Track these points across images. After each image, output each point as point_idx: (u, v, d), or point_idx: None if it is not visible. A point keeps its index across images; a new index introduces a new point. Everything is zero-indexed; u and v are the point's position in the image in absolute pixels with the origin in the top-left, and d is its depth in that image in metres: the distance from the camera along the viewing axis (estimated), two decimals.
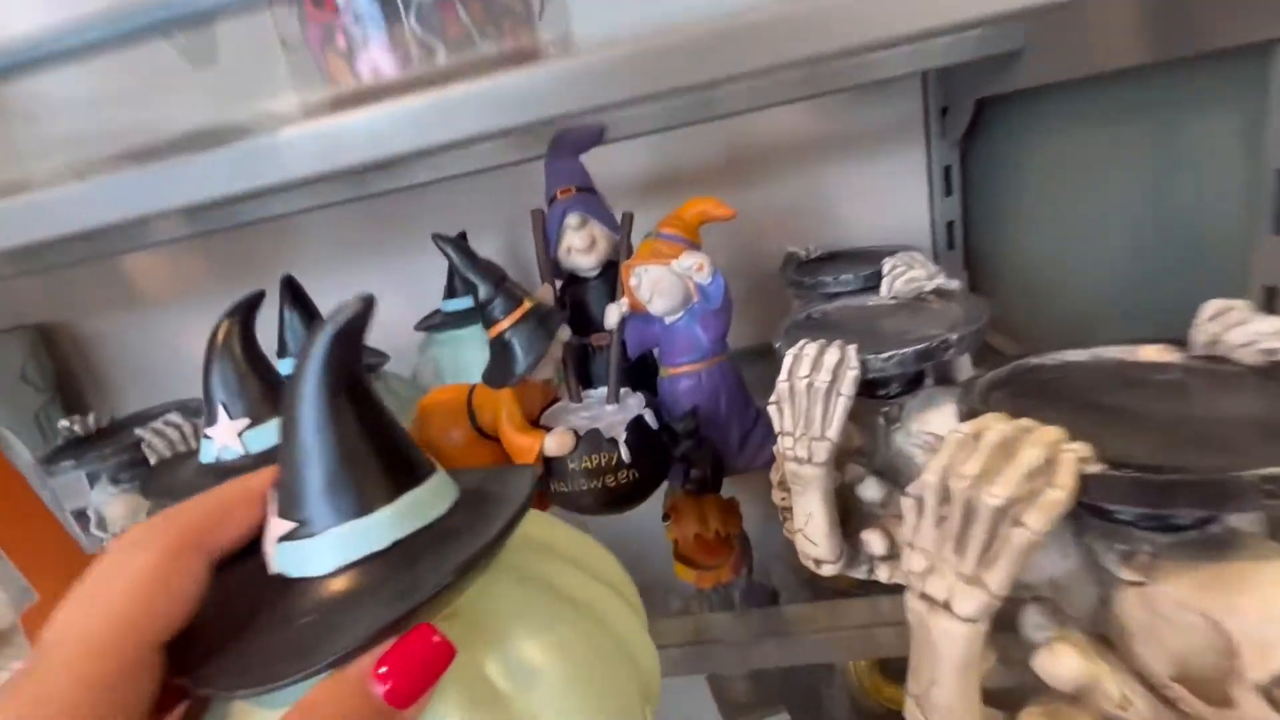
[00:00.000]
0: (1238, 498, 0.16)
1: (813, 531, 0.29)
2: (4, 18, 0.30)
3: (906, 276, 0.36)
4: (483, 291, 0.40)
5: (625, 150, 0.55)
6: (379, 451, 0.17)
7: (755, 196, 0.63)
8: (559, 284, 0.48)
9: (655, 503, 0.44)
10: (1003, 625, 0.23)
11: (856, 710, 0.51)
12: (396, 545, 0.16)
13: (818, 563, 0.29)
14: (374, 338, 0.55)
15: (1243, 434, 0.18)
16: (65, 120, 0.31)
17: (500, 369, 0.41)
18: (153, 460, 0.42)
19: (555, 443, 0.39)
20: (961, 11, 0.21)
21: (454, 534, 0.17)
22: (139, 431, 0.42)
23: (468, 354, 0.55)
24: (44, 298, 0.75)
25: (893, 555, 0.31)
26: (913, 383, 0.33)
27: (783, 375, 0.29)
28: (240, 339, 0.31)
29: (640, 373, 0.48)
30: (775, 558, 0.45)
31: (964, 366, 0.38)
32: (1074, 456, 0.17)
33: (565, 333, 0.42)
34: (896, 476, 0.32)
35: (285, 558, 0.17)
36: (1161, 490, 0.16)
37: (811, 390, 0.28)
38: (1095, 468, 0.17)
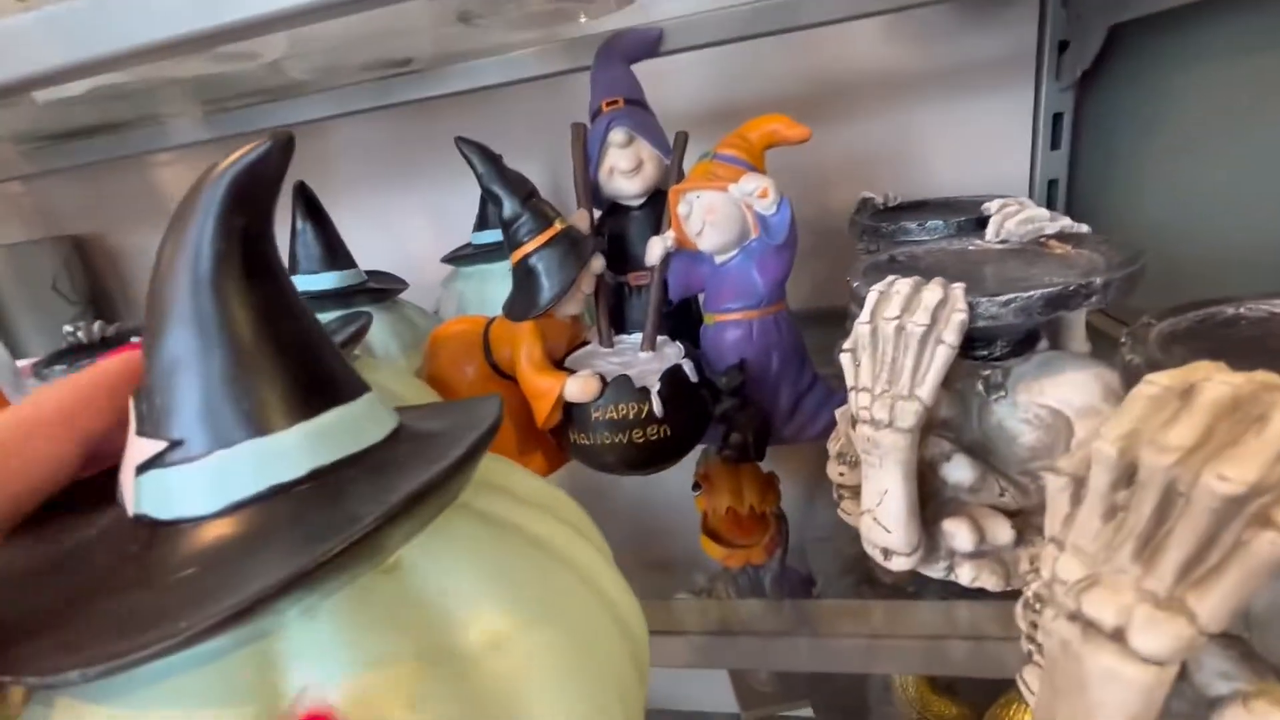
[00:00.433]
0: None
1: (887, 514, 0.23)
2: None
3: (1022, 216, 0.29)
4: (508, 208, 0.35)
5: (679, 68, 0.49)
6: (291, 352, 0.12)
7: (824, 134, 0.55)
8: (599, 214, 0.42)
9: (686, 470, 0.39)
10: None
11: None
12: (313, 475, 0.12)
13: (887, 553, 0.24)
14: (399, 270, 0.50)
15: None
16: None
17: (522, 299, 0.36)
18: None
19: (578, 387, 0.33)
20: None
21: (393, 464, 0.12)
22: (135, 341, 0.39)
23: (494, 289, 0.51)
24: (79, 208, 0.73)
25: (981, 552, 0.24)
26: (1024, 344, 0.26)
27: (864, 315, 0.23)
28: None
29: (682, 320, 0.42)
30: (815, 541, 0.40)
31: (1079, 334, 0.31)
32: None
33: (599, 263, 0.37)
34: (990, 456, 0.26)
35: (150, 492, 0.12)
36: None
37: (903, 335, 0.22)
38: None
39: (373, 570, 0.12)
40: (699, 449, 0.39)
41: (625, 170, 0.39)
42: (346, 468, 0.12)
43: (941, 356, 0.21)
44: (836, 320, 0.41)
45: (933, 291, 0.22)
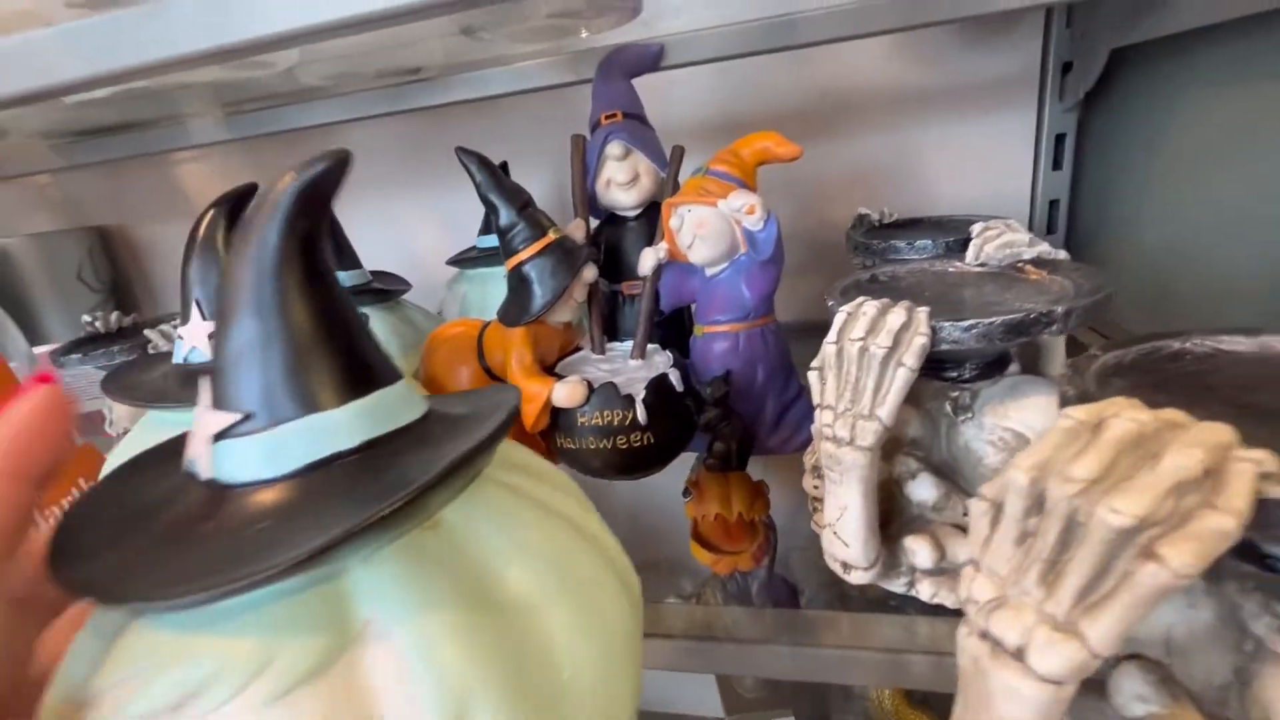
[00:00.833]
0: None
1: (846, 529, 0.24)
2: None
3: (1002, 240, 0.30)
4: (504, 216, 0.36)
5: (681, 83, 0.49)
6: (341, 341, 0.14)
7: (826, 150, 0.56)
8: (596, 223, 0.43)
9: (678, 476, 0.40)
10: (1092, 686, 0.17)
11: None
12: (365, 446, 0.14)
13: (846, 567, 0.24)
14: (405, 271, 0.51)
15: None
16: None
17: (516, 305, 0.37)
18: None
19: (565, 392, 0.34)
20: None
21: (431, 439, 0.14)
22: (147, 332, 0.41)
23: (497, 292, 0.51)
24: (104, 201, 0.76)
25: (941, 570, 0.25)
26: (993, 367, 0.27)
27: (831, 336, 0.24)
28: (225, 232, 0.28)
29: (675, 330, 0.43)
30: (798, 550, 0.40)
31: (1057, 358, 0.31)
32: (1252, 468, 0.11)
33: (591, 272, 0.38)
34: (956, 476, 0.27)
35: (226, 457, 0.13)
36: None
37: (865, 356, 0.22)
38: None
39: (419, 528, 0.14)
40: (692, 455, 0.40)
41: (621, 182, 0.40)
42: (391, 441, 0.14)
43: (901, 379, 0.22)
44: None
45: (897, 315, 0.23)
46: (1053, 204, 0.55)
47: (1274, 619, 0.14)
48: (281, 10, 0.21)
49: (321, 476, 0.13)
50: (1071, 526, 0.13)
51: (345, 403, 0.14)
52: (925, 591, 0.25)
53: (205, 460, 0.14)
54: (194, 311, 0.27)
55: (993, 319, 0.22)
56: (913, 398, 0.28)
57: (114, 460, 0.27)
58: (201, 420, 0.14)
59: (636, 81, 0.43)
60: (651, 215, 0.42)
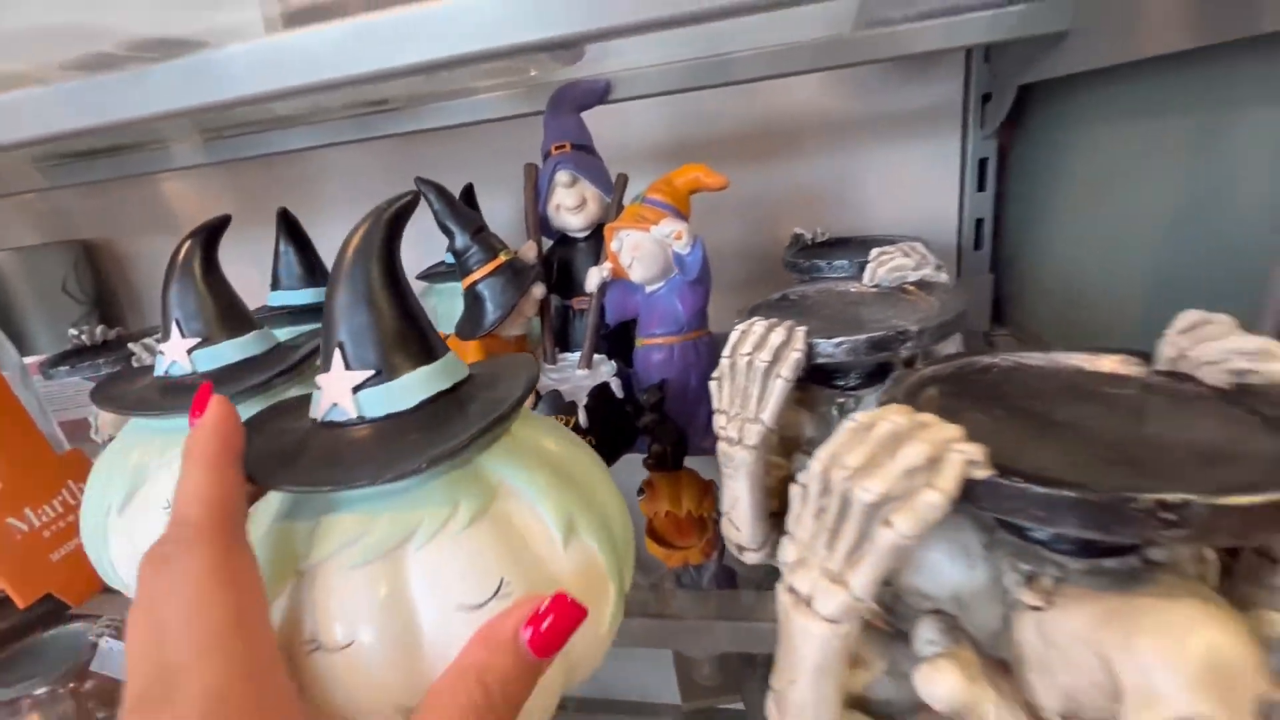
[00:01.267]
0: (1128, 522, 0.14)
1: (738, 516, 0.27)
2: None
3: (891, 265, 0.34)
4: (459, 240, 0.40)
5: (636, 112, 0.53)
6: (421, 319, 0.21)
7: (772, 174, 0.60)
8: (550, 244, 0.47)
9: (636, 476, 0.44)
10: (901, 635, 0.21)
11: None
12: (456, 387, 0.22)
13: (740, 549, 0.28)
14: None
15: (1181, 459, 0.16)
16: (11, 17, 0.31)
17: (470, 321, 0.40)
18: None
19: None
20: None
21: (488, 383, 0.22)
22: (131, 346, 0.44)
23: None
24: (90, 215, 0.79)
25: None
26: (874, 377, 0.31)
27: (726, 350, 0.28)
28: (201, 259, 0.31)
29: (621, 342, 0.47)
30: None
31: None
32: (961, 458, 0.15)
33: (539, 290, 0.41)
34: None
35: (367, 400, 0.20)
36: (1048, 504, 0.14)
37: (751, 369, 0.26)
38: (983, 473, 0.15)
39: (504, 432, 0.23)
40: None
41: (570, 207, 0.44)
42: (463, 386, 0.22)
43: (779, 388, 0.26)
44: None
45: (778, 333, 0.27)
46: (979, 222, 0.59)
47: (1019, 575, 0.18)
48: (247, 77, 0.25)
49: (436, 407, 0.21)
50: (845, 503, 0.16)
51: (432, 361, 0.21)
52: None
53: (350, 404, 0.20)
54: (174, 329, 0.30)
55: (858, 336, 0.26)
56: (809, 403, 0.32)
57: (102, 464, 0.31)
58: (337, 379, 0.20)
59: (594, 110, 0.47)
60: (599, 236, 0.45)
